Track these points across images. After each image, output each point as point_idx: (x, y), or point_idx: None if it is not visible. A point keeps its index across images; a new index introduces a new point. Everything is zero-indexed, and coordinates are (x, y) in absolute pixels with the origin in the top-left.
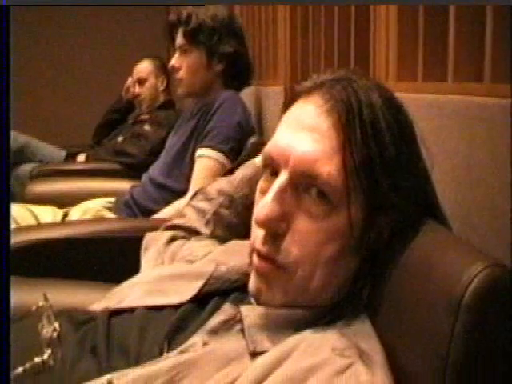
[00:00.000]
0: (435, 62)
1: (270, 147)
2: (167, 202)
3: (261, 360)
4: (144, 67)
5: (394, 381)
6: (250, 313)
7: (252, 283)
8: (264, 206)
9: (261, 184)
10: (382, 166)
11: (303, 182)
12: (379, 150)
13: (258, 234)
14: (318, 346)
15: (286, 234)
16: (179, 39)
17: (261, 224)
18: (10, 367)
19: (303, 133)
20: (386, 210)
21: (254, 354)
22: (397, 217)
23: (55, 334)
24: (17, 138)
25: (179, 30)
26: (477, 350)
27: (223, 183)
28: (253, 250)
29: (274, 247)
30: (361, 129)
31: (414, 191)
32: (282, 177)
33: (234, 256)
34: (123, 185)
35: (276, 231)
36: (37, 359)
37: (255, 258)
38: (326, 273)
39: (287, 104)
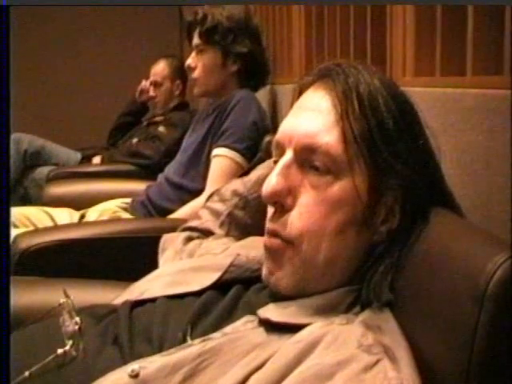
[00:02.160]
0: (453, 56)
1: (277, 134)
2: (183, 202)
3: (285, 349)
4: (160, 70)
5: (419, 373)
6: (265, 308)
7: (264, 269)
8: (269, 180)
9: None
10: (381, 136)
11: (306, 157)
12: (377, 122)
13: (268, 215)
14: (343, 341)
15: (292, 208)
16: (195, 39)
17: (267, 197)
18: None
19: (304, 113)
20: (390, 180)
21: (267, 325)
22: (403, 190)
23: (76, 327)
24: (33, 141)
25: (196, 30)
26: (502, 340)
27: (238, 184)
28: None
29: (281, 222)
30: (358, 101)
31: (415, 162)
32: (287, 155)
33: (252, 249)
34: (138, 186)
35: (282, 206)
36: (59, 350)
37: (265, 238)
38: (333, 245)
39: (294, 100)
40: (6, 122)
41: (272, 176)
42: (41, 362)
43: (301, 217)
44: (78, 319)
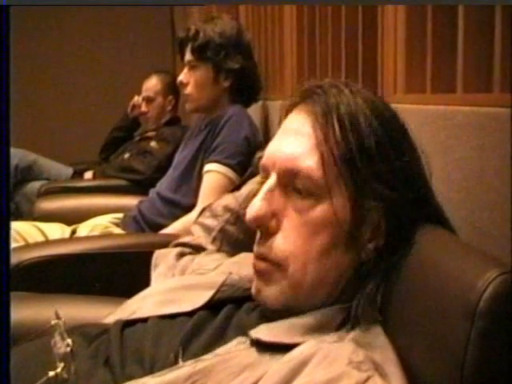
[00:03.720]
0: (444, 74)
1: (264, 157)
2: (175, 217)
3: (276, 368)
4: (152, 85)
5: None
6: (256, 329)
7: (253, 286)
8: (253, 205)
9: (256, 189)
10: (362, 157)
11: (289, 181)
12: (358, 142)
13: (256, 238)
14: (333, 359)
15: (277, 232)
16: (187, 55)
17: (251, 222)
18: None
19: (288, 137)
20: (372, 200)
21: (258, 346)
22: (388, 208)
23: (68, 349)
24: (24, 156)
25: (188, 46)
26: (492, 357)
27: (229, 199)
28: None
29: (267, 246)
30: (338, 124)
31: (399, 181)
32: (271, 179)
33: (245, 266)
34: (130, 201)
35: (267, 229)
36: (50, 373)
37: (254, 260)
38: (319, 266)
39: (281, 122)
40: (6, 119)
41: (255, 201)
42: None
43: (285, 240)
44: (69, 341)
